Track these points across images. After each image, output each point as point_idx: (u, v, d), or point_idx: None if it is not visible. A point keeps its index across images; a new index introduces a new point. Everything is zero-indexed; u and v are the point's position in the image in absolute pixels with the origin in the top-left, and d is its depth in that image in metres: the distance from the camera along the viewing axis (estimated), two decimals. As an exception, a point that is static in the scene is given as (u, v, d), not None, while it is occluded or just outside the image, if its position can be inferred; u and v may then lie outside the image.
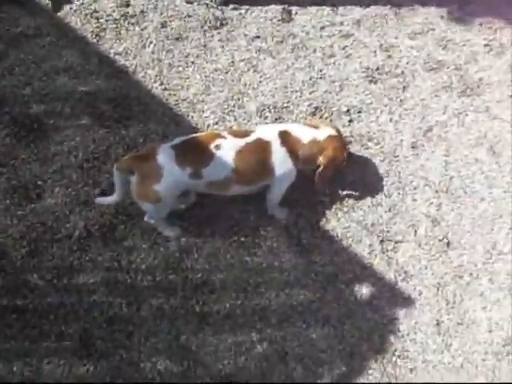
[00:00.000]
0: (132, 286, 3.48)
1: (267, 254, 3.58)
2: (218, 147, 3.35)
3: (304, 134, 3.52)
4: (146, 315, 3.41)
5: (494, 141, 3.98)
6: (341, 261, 3.58)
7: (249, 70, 4.17)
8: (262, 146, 3.44)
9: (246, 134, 3.48)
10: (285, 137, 3.48)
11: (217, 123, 3.94)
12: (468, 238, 3.68)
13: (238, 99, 4.04)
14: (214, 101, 4.04)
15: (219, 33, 4.34)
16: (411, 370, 3.37)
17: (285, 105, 4.02)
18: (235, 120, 3.95)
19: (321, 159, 3.52)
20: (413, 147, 3.93)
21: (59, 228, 3.60)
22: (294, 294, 3.48)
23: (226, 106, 4.02)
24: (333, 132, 3.57)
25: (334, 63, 4.23)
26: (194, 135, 3.50)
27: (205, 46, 4.28)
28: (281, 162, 3.46)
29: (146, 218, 3.56)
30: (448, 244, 3.66)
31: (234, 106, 4.01)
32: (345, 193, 3.77)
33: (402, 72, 4.22)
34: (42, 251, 3.53)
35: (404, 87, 4.15)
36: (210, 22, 4.38)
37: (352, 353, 3.37)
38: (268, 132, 3.49)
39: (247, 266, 3.54)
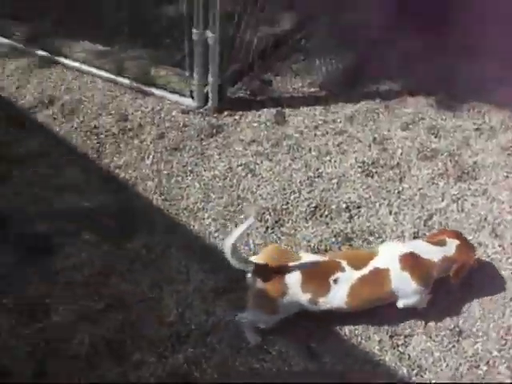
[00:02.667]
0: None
1: (276, 359, 3.46)
2: (336, 281, 3.36)
3: (433, 253, 3.47)
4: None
5: (495, 223, 4.00)
6: (351, 360, 3.49)
7: (247, 174, 4.26)
8: (379, 277, 3.40)
9: (364, 261, 3.42)
10: (407, 260, 3.42)
11: (218, 230, 3.97)
12: (480, 324, 3.60)
13: (238, 204, 4.10)
14: (213, 208, 4.09)
15: (215, 140, 4.47)
16: None
17: (284, 206, 4.07)
18: (236, 226, 3.96)
19: (451, 272, 3.50)
20: (415, 237, 3.92)
21: (66, 346, 3.54)
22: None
23: (226, 213, 4.06)
24: (457, 241, 3.53)
25: (329, 160, 4.33)
26: (317, 261, 3.46)
27: (202, 153, 4.40)
28: (403, 286, 3.43)
29: (237, 318, 3.52)
30: (460, 333, 3.58)
31: (234, 212, 4.06)
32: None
33: (398, 163, 4.30)
34: (48, 372, 3.45)
35: (401, 178, 4.21)
36: (206, 130, 4.53)
37: None
38: (387, 258, 3.43)
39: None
